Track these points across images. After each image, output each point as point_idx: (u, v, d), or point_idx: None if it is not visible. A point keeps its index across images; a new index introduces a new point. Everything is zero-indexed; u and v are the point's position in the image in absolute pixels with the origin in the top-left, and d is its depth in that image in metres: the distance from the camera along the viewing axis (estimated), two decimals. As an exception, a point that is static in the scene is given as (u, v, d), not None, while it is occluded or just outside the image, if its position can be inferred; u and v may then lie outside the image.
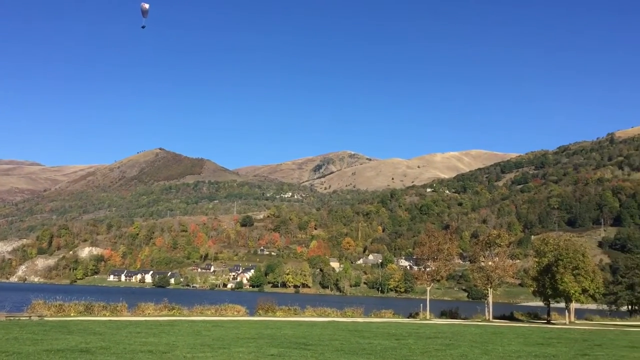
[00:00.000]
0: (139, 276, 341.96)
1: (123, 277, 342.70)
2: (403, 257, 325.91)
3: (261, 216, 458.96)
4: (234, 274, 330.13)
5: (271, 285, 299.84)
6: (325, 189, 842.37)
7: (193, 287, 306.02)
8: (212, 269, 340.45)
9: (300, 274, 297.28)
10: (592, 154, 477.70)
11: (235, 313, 58.58)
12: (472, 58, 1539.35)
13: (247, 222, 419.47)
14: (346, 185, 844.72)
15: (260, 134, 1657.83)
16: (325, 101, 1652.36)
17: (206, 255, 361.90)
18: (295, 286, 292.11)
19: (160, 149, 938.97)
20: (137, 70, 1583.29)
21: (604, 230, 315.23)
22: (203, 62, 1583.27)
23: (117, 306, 52.90)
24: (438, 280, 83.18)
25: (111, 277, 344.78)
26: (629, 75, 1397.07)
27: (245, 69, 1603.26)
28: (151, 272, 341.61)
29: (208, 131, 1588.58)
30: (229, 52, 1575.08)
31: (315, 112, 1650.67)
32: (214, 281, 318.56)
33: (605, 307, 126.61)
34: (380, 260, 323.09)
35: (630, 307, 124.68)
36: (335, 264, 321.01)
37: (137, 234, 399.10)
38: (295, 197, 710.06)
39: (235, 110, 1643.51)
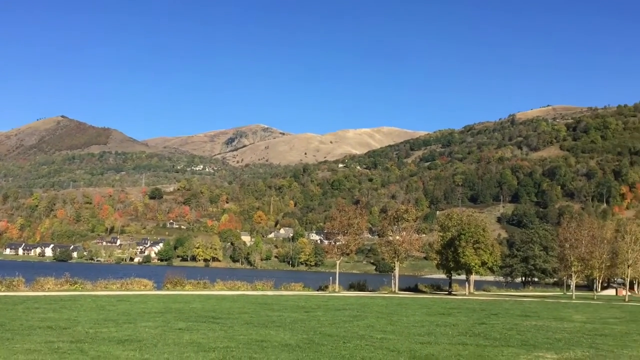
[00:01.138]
0: (38, 250, 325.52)
1: (21, 251, 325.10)
2: (314, 232, 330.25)
3: (171, 189, 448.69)
4: (141, 247, 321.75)
5: (180, 259, 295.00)
6: (238, 162, 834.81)
7: (97, 261, 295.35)
8: (119, 242, 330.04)
9: (211, 248, 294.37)
10: (495, 134, 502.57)
11: (142, 287, 57.06)
12: (385, 35, 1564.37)
13: (156, 195, 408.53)
14: (259, 159, 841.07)
15: (171, 104, 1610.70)
16: (239, 73, 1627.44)
17: (112, 229, 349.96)
18: (206, 260, 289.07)
19: (62, 116, 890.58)
20: (32, 29, 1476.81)
21: (503, 207, 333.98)
22: (107, 23, 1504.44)
23: (13, 281, 49.88)
24: (347, 254, 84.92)
25: (7, 251, 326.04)
26: (524, 61, 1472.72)
27: (154, 34, 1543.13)
28: (52, 245, 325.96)
29: (115, 99, 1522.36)
30: (135, 15, 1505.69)
31: (229, 84, 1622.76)
32: (120, 255, 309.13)
33: (501, 278, 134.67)
34: (292, 234, 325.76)
35: (523, 278, 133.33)
36: (246, 238, 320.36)
37: (37, 206, 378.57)
38: (207, 170, 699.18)
39: (143, 78, 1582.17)
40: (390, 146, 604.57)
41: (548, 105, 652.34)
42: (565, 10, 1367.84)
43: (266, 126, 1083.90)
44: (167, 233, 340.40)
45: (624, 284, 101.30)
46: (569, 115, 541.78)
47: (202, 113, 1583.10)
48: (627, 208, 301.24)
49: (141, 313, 29.75)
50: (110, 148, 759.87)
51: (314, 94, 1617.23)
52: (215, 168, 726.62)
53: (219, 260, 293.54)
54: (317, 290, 71.70)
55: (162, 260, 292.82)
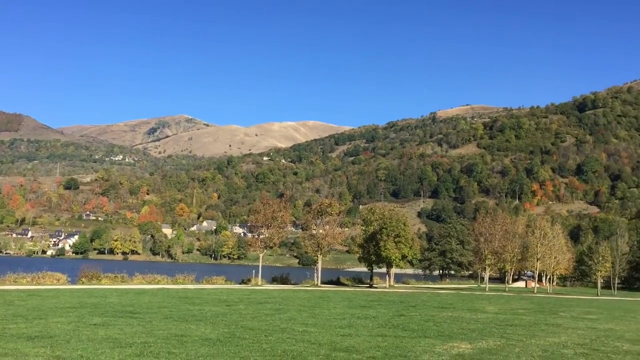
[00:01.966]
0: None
1: None
2: (237, 224, 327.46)
3: (88, 179, 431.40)
4: (55, 240, 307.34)
5: (97, 252, 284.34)
6: (160, 153, 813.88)
7: (6, 253, 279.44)
8: (30, 234, 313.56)
9: (130, 241, 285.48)
10: (417, 130, 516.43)
11: (55, 281, 54.56)
12: (310, 30, 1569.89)
13: (71, 185, 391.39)
14: (182, 151, 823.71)
15: (90, 91, 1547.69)
16: (162, 62, 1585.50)
17: (23, 220, 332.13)
18: (124, 253, 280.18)
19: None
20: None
21: (423, 202, 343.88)
22: (20, 6, 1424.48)
23: None
24: (271, 247, 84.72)
25: None
26: (446, 61, 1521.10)
27: (72, 18, 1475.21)
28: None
29: (27, 84, 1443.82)
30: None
31: (151, 73, 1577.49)
32: (31, 247, 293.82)
33: (420, 271, 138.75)
34: (215, 227, 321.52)
35: (441, 271, 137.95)
36: (167, 231, 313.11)
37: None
38: (127, 160, 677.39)
39: (59, 63, 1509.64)
40: (315, 140, 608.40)
41: (467, 105, 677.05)
42: (483, 10, 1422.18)
43: (190, 117, 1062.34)
44: (83, 225, 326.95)
45: (533, 277, 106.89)
46: (486, 114, 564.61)
47: (122, 101, 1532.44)
48: (538, 204, 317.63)
49: (53, 308, 28.43)
50: (22, 135, 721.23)
51: (239, 86, 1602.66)
52: (135, 158, 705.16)
53: (139, 254, 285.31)
54: (240, 284, 71.14)
55: (77, 253, 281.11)
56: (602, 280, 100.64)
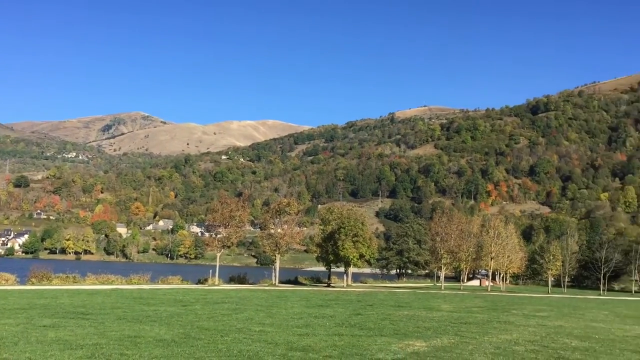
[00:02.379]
0: None
1: None
2: (195, 224, 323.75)
3: (39, 177, 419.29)
4: (3, 239, 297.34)
5: (48, 251, 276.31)
6: (115, 150, 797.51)
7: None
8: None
9: (82, 240, 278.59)
10: (376, 131, 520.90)
11: (3, 282, 52.83)
12: (269, 28, 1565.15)
13: (21, 183, 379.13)
14: (138, 148, 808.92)
15: (41, 85, 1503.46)
16: (118, 57, 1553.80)
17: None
18: (77, 253, 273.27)
19: None
20: None
21: (381, 202, 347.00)
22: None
23: None
24: (229, 247, 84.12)
25: None
26: (404, 62, 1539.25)
27: (25, 9, 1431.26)
28: None
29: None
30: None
31: (107, 68, 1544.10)
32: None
33: (378, 270, 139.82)
34: (171, 227, 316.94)
35: (398, 270, 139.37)
36: (122, 230, 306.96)
37: None
38: (80, 157, 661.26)
39: (8, 55, 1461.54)
40: (274, 139, 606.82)
41: (425, 106, 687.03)
42: (439, 12, 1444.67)
43: (146, 114, 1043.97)
44: (33, 224, 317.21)
45: (487, 275, 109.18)
46: (443, 115, 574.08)
47: (76, 97, 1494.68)
48: (492, 204, 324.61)
49: (1, 310, 27.52)
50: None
51: (197, 83, 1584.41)
52: (89, 156, 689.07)
53: (92, 253, 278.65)
54: (197, 284, 70.36)
55: (27, 252, 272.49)
56: (552, 279, 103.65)
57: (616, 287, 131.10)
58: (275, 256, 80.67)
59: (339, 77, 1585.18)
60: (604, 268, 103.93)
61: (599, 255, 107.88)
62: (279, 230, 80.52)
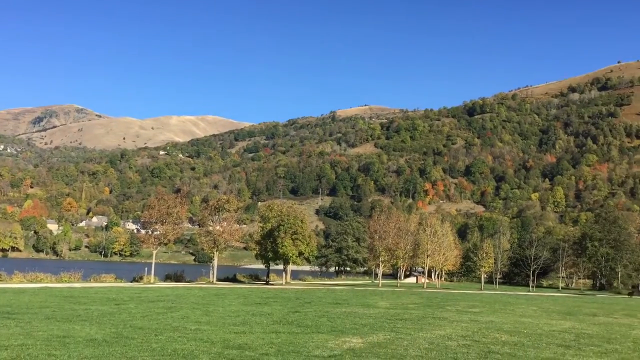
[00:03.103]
0: None
1: None
2: (131, 220, 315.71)
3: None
4: None
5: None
6: (46, 144, 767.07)
7: None
8: None
9: (10, 236, 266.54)
10: (317, 129, 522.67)
11: None
12: (208, 26, 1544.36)
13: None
14: (71, 142, 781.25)
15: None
16: (50, 46, 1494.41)
17: None
18: (4, 250, 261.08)
19: None
20: None
21: (321, 199, 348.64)
22: None
23: None
24: (165, 244, 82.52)
25: None
26: (346, 61, 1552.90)
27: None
28: None
29: None
30: None
31: (37, 57, 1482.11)
32: None
33: (317, 268, 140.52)
34: (106, 223, 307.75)
35: (337, 268, 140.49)
36: (53, 226, 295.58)
37: None
38: (9, 150, 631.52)
39: None
40: (214, 135, 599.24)
41: (365, 105, 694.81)
42: (380, 13, 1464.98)
43: (80, 107, 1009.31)
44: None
45: (423, 273, 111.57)
46: (383, 115, 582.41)
47: (4, 88, 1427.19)
48: (429, 203, 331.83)
49: None
50: None
51: (135, 76, 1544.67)
52: (18, 149, 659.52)
53: (20, 250, 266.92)
54: (131, 282, 68.65)
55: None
56: (485, 276, 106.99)
57: (544, 283, 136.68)
58: (214, 253, 79.69)
59: (280, 74, 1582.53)
60: (533, 265, 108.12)
61: (528, 252, 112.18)
62: (218, 227, 79.58)
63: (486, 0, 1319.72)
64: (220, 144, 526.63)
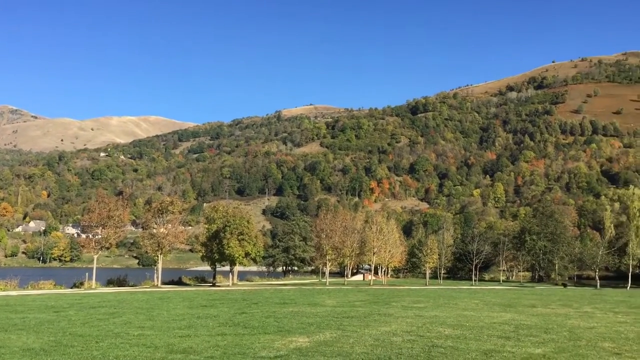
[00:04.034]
0: None
1: None
2: (70, 224, 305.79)
3: None
4: None
5: None
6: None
7: None
8: None
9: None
10: (262, 128, 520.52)
11: None
12: (153, 26, 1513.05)
13: None
14: (5, 144, 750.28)
15: None
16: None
17: None
18: None
19: None
20: None
21: (268, 199, 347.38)
22: None
23: None
24: (107, 248, 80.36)
25: None
26: (290, 61, 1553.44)
27: None
28: None
29: None
30: None
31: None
32: None
33: (264, 268, 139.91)
34: (44, 228, 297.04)
35: (284, 267, 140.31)
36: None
37: None
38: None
39: None
40: (157, 136, 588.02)
41: (311, 105, 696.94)
42: (324, 11, 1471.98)
43: (15, 108, 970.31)
44: None
45: (369, 270, 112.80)
46: (328, 114, 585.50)
47: None
48: (375, 201, 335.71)
49: None
50: None
51: (73, 76, 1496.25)
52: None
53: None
54: (71, 288, 66.52)
55: None
56: (430, 271, 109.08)
57: (486, 277, 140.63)
58: (158, 257, 78.11)
59: (224, 74, 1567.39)
60: (475, 260, 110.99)
61: (471, 247, 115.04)
62: (162, 229, 78.04)
63: (426, 2, 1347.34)
64: (164, 144, 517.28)
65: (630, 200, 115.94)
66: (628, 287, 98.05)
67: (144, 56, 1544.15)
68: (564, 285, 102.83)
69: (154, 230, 78.74)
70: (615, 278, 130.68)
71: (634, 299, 54.09)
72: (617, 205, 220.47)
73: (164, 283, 78.67)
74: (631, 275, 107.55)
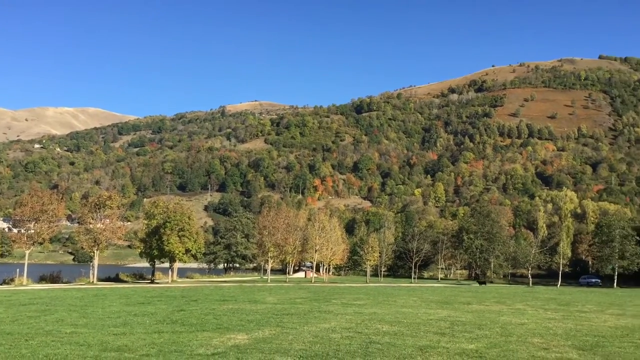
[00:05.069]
0: None
1: None
2: (1, 218, 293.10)
3: None
4: None
5: None
6: None
7: None
8: None
9: None
10: (206, 123, 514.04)
11: None
12: (94, 11, 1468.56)
13: None
14: None
15: None
16: None
17: None
18: None
19: None
20: None
21: (211, 195, 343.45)
22: None
23: None
24: (40, 243, 77.48)
25: None
26: (235, 56, 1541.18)
27: None
28: None
29: None
30: None
31: None
32: None
33: (205, 265, 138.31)
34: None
35: (226, 264, 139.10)
36: None
37: None
38: None
39: None
40: (96, 129, 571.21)
41: (255, 101, 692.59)
42: (268, 12, 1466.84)
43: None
44: None
45: (311, 267, 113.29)
46: (273, 111, 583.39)
47: None
48: (319, 199, 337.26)
49: None
50: None
51: (6, 63, 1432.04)
52: None
53: None
54: (0, 284, 63.84)
55: None
56: (371, 269, 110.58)
57: (426, 274, 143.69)
58: (94, 253, 75.97)
59: (168, 67, 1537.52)
60: (415, 258, 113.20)
61: (411, 246, 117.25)
62: (99, 225, 75.91)
63: (372, 4, 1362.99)
64: (103, 137, 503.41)
65: (563, 201, 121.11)
66: (558, 285, 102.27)
67: (83, 45, 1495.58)
68: (482, 283, 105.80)
69: (91, 226, 76.52)
70: (547, 276, 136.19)
71: (563, 296, 56.47)
72: (550, 206, 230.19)
73: (100, 280, 76.62)
74: (561, 273, 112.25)
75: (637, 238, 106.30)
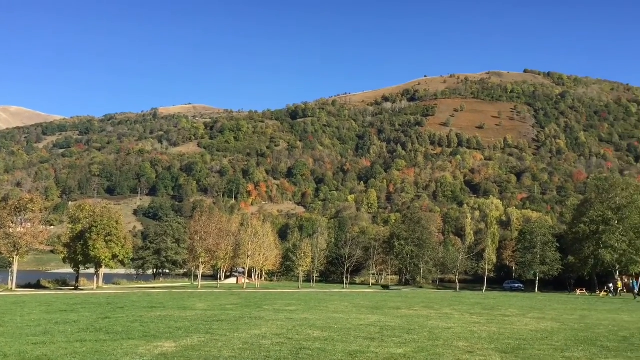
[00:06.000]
0: None
1: None
2: None
3: None
4: None
5: None
6: None
7: None
8: None
9: None
10: (137, 126, 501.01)
11: None
12: (26, 10, 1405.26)
13: None
14: None
15: None
16: None
17: None
18: None
19: None
20: None
21: (140, 199, 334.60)
22: None
23: None
24: (-47, 248, 73.17)
25: None
26: (175, 58, 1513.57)
27: None
28: None
29: None
30: None
31: None
32: None
33: (133, 271, 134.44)
34: None
35: (155, 270, 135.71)
36: None
37: None
38: None
39: None
40: (18, 128, 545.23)
41: (189, 104, 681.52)
42: (203, 14, 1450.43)
43: None
44: None
45: (243, 273, 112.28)
46: (207, 115, 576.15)
47: None
48: (252, 204, 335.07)
49: None
50: None
51: None
52: None
53: None
54: None
55: None
56: (303, 274, 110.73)
57: (358, 280, 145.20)
58: (14, 258, 72.39)
59: (97, 65, 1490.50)
60: (347, 263, 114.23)
61: (344, 251, 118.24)
62: (20, 229, 72.44)
63: (310, 9, 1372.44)
64: (26, 137, 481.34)
65: (489, 209, 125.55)
66: (484, 290, 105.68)
67: (4, 41, 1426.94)
68: (385, 287, 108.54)
69: (10, 230, 72.91)
70: (473, 281, 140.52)
71: (488, 300, 58.37)
72: (477, 213, 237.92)
73: (19, 286, 73.09)
74: (487, 278, 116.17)
75: (557, 245, 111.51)
